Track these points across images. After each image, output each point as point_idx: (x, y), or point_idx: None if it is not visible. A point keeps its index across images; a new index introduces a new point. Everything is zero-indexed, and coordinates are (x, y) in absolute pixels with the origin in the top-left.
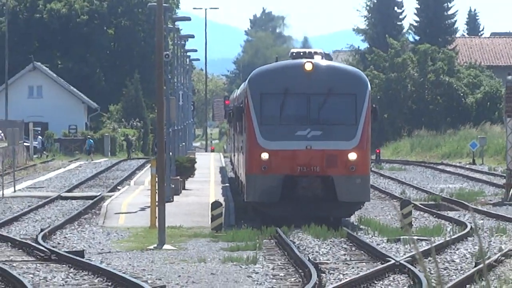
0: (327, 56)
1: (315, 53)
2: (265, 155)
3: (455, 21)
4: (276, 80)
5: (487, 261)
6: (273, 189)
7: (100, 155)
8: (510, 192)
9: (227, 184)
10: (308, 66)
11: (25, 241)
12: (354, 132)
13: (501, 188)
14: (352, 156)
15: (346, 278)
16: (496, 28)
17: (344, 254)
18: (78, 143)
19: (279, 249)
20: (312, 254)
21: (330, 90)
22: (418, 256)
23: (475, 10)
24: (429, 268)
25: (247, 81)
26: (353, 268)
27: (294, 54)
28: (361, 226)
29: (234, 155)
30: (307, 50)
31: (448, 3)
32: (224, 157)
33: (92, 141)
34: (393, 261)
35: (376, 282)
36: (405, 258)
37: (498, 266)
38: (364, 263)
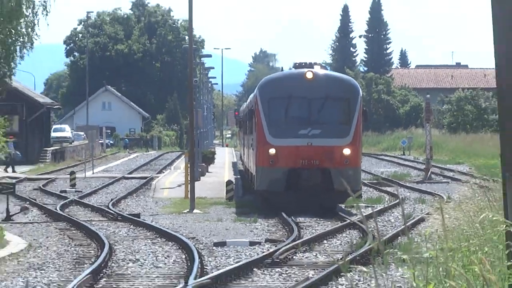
0: (323, 68)
1: (315, 63)
2: (272, 151)
3: (392, 57)
4: (282, 86)
5: (412, 221)
6: (279, 180)
7: (150, 149)
8: (428, 174)
9: (238, 176)
10: (309, 75)
11: (100, 207)
12: (348, 130)
13: (422, 171)
14: (346, 151)
15: (317, 232)
16: (420, 62)
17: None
18: (135, 141)
19: (272, 214)
20: (295, 217)
21: (328, 95)
22: (362, 218)
23: (405, 50)
24: (372, 226)
25: (257, 88)
26: (322, 225)
27: (297, 64)
28: None
29: (243, 153)
30: (308, 62)
31: (387, 45)
32: (235, 150)
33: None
34: (348, 221)
35: (337, 234)
36: (357, 219)
37: (420, 224)
38: (329, 222)
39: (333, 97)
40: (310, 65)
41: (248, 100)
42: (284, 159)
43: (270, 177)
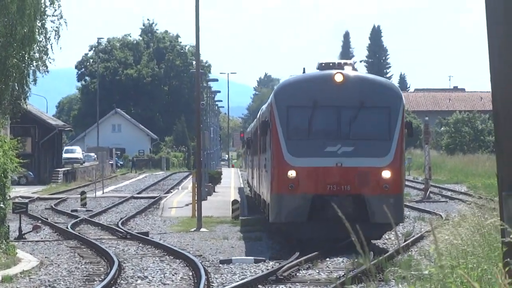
0: (355, 69)
1: (345, 63)
2: (292, 173)
3: (391, 81)
4: (303, 92)
5: (412, 239)
6: (300, 209)
7: (159, 169)
8: (427, 193)
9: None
10: (338, 77)
11: (110, 225)
12: (388, 148)
13: (421, 190)
14: (386, 174)
15: (319, 250)
16: (418, 85)
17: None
18: (144, 162)
19: (276, 232)
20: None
21: (362, 103)
22: (356, 240)
23: (404, 73)
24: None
25: (272, 94)
26: (325, 243)
27: (322, 64)
28: None
29: (252, 176)
30: (336, 61)
31: (387, 70)
32: (240, 171)
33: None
34: (350, 239)
35: (340, 252)
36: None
37: (420, 241)
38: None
39: (369, 106)
40: (339, 66)
41: (260, 112)
42: (307, 183)
43: (289, 207)
